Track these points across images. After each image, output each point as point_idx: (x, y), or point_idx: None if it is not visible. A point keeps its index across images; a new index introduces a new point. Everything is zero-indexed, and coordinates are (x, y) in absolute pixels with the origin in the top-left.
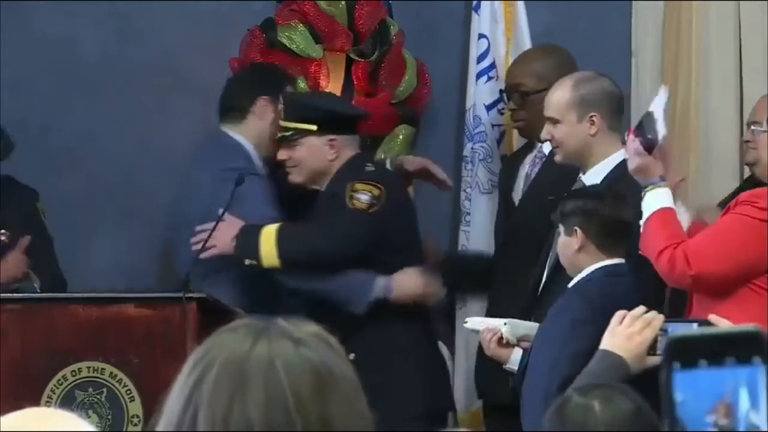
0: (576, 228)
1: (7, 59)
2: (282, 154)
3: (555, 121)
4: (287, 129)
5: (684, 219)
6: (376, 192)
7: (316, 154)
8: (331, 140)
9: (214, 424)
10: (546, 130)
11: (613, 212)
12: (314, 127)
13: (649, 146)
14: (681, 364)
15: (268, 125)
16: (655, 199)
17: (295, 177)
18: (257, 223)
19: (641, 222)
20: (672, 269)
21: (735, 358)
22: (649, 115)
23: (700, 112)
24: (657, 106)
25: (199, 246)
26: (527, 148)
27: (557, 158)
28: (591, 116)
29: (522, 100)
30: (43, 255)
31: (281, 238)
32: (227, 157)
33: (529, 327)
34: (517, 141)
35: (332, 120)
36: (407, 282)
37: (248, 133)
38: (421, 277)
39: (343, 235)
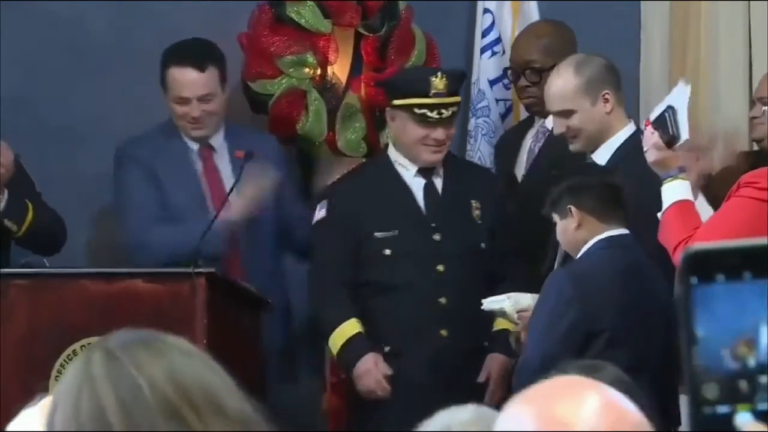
0: (569, 207)
1: (15, 39)
2: (440, 134)
3: (569, 113)
4: (455, 105)
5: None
6: None
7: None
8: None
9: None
10: (559, 125)
11: (598, 180)
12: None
13: (669, 142)
14: (698, 278)
15: None
16: (673, 191)
17: (441, 156)
18: None
19: (659, 214)
20: None
21: (752, 273)
22: (672, 111)
23: (709, 88)
24: (681, 103)
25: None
26: (528, 122)
27: (573, 147)
28: (604, 95)
29: (536, 76)
30: (32, 193)
31: None
32: None
33: (533, 299)
34: (523, 116)
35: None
36: None
37: None
38: None
39: None
